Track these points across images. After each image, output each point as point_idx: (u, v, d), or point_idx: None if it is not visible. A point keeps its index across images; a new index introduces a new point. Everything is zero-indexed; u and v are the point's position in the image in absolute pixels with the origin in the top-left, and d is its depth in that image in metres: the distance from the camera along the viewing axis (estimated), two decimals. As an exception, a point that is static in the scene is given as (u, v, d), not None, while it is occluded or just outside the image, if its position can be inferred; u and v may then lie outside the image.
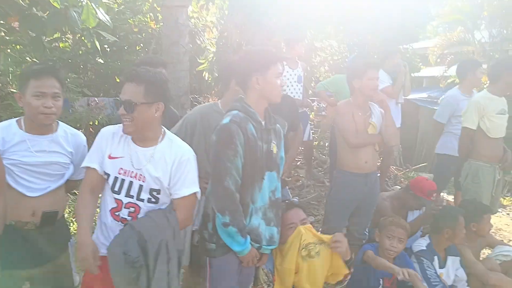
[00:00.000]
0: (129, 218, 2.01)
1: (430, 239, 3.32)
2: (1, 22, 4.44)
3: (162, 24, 5.79)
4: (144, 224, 1.95)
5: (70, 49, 7.87)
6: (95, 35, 4.71)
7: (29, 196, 2.11)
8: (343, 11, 7.54)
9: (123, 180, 2.00)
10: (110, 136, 2.06)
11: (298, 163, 6.47)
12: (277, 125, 2.35)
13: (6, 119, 2.22)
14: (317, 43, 8.26)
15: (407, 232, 3.07)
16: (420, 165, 6.99)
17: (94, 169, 2.02)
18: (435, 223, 3.35)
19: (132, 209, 2.01)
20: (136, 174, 2.00)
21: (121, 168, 2.00)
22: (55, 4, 3.35)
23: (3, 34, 4.82)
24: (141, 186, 2.00)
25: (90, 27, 3.67)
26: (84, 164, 2.05)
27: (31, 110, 2.07)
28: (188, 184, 2.04)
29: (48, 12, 4.14)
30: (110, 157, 2.02)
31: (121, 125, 2.05)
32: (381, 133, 3.28)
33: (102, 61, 8.14)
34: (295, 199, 2.80)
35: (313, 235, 2.52)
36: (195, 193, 2.07)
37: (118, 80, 8.06)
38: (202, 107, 2.72)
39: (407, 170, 6.95)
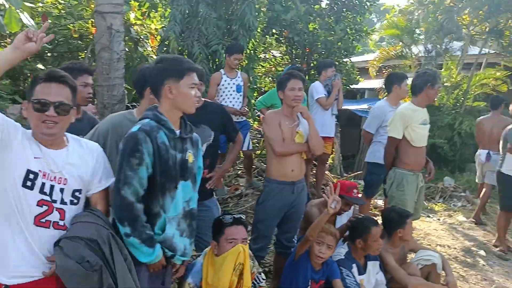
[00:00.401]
0: (61, 222, 1.94)
1: (349, 247, 3.43)
2: None
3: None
4: (82, 229, 1.91)
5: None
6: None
7: None
8: (285, 22, 7.70)
9: (43, 184, 1.90)
10: (28, 138, 1.90)
11: (239, 172, 6.50)
12: (194, 134, 2.34)
13: None
14: (261, 54, 8.38)
15: (336, 239, 3.16)
16: (356, 173, 7.21)
17: None
18: (350, 233, 3.46)
19: (57, 214, 1.93)
20: (55, 177, 1.92)
21: (40, 170, 1.89)
22: (-28, 6, 3.19)
23: None
24: (62, 189, 1.94)
25: (12, 31, 3.52)
26: None
27: None
28: (106, 176, 2.11)
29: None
30: (35, 158, 1.88)
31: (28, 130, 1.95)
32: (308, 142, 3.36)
33: (42, 67, 7.85)
34: (241, 215, 2.78)
35: (246, 257, 2.54)
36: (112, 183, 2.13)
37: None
38: (115, 115, 2.65)
39: (344, 177, 7.15)
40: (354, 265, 3.29)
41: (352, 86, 8.92)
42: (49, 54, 8.03)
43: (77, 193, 2.00)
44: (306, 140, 3.34)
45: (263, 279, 2.82)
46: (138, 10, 7.10)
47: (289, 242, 3.51)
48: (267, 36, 7.97)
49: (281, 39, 7.97)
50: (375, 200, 6.22)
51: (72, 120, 1.97)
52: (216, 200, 3.27)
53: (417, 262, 3.67)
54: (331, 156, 8.85)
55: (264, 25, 7.71)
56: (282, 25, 7.59)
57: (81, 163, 2.00)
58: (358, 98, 13.33)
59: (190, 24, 6.39)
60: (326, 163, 6.13)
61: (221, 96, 5.30)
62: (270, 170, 3.37)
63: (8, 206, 1.85)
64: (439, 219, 6.49)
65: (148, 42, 8.17)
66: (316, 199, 4.10)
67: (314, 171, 6.04)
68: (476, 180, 6.89)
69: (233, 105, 5.28)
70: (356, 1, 8.19)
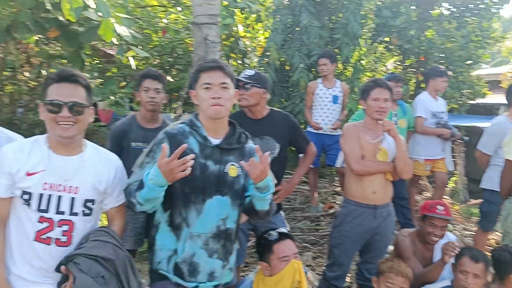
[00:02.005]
0: (63, 238, 1.83)
1: (452, 283, 2.83)
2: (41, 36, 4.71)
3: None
4: (99, 248, 1.81)
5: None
6: (127, 50, 4.84)
7: None
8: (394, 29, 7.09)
9: (50, 196, 1.80)
10: (19, 152, 1.81)
11: (337, 189, 6.08)
12: (249, 145, 2.09)
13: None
14: (372, 65, 7.84)
15: (409, 279, 2.65)
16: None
17: (1, 198, 1.82)
18: (498, 270, 2.83)
19: (65, 227, 1.83)
20: (65, 187, 1.83)
21: (46, 183, 1.80)
22: (70, 18, 3.44)
23: (46, 47, 5.11)
24: (73, 199, 1.84)
25: (107, 41, 3.74)
26: None
27: None
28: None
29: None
30: (28, 174, 1.78)
31: (30, 138, 1.89)
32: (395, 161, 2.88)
33: (171, 79, 8.36)
34: (284, 228, 2.55)
35: (301, 273, 2.35)
36: None
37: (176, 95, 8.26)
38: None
39: (467, 205, 6.17)
40: None
41: (478, 101, 7.78)
42: (168, 68, 8.59)
43: (89, 204, 1.88)
44: (392, 160, 2.88)
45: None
46: (244, 22, 7.20)
47: (371, 274, 3.05)
48: (376, 44, 7.42)
49: (390, 47, 7.32)
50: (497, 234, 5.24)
51: (90, 120, 1.88)
52: (282, 216, 3.02)
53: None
54: (452, 179, 7.81)
55: (373, 32, 7.19)
56: (390, 32, 6.97)
57: (96, 172, 1.89)
58: (493, 114, 11.74)
59: (292, 34, 6.24)
60: (445, 186, 5.31)
61: (315, 106, 5.01)
62: (348, 190, 2.97)
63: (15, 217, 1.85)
64: None
65: (257, 54, 8.26)
66: (408, 229, 3.53)
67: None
68: None
69: (327, 117, 4.94)
70: (482, 6, 7.11)
